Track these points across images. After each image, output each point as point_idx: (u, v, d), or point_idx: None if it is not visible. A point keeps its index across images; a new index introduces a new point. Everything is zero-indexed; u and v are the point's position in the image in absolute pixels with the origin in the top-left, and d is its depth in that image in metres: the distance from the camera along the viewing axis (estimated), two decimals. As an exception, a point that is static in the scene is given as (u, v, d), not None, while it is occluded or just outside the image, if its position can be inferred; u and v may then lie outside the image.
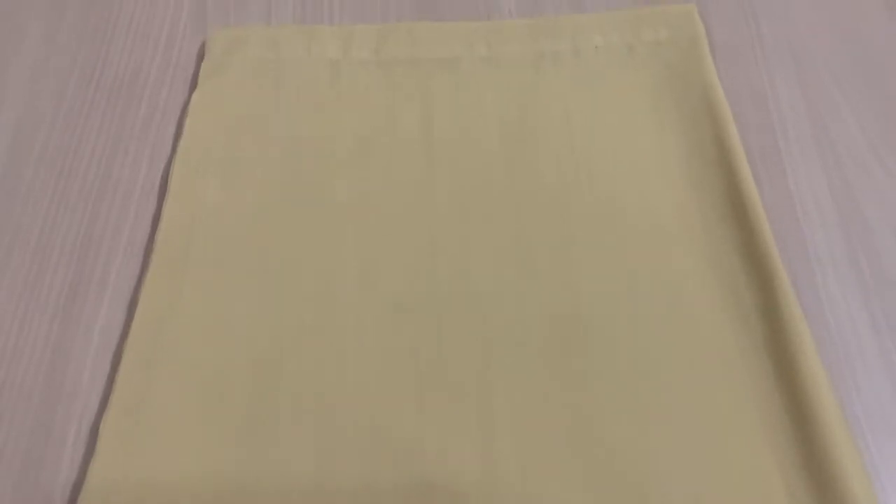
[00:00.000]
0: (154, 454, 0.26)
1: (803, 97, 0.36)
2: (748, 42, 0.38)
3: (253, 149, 0.34)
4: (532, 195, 0.32)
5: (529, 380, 0.28)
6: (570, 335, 0.29)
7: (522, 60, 0.36)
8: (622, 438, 0.26)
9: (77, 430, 0.28)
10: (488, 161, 0.33)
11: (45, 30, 0.39)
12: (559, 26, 0.37)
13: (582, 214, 0.32)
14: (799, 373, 0.27)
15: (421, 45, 0.37)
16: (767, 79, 0.36)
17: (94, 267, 0.32)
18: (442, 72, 0.36)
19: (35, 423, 0.28)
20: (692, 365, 0.28)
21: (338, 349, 0.28)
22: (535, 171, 0.33)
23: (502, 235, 0.31)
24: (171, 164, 0.33)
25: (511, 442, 0.26)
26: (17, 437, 0.28)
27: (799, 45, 0.37)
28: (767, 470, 0.26)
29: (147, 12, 0.40)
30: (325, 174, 0.33)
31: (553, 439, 0.26)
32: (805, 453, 0.26)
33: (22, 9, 0.40)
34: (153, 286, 0.30)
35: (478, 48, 0.36)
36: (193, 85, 0.36)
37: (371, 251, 0.31)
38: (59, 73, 0.37)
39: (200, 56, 0.37)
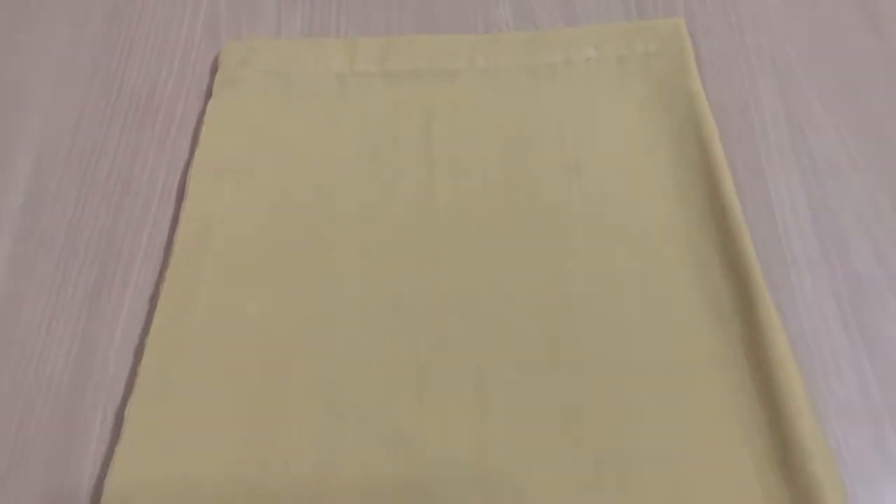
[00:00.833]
0: (175, 436, 0.28)
1: (784, 107, 0.37)
2: (733, 54, 0.39)
3: (264, 155, 0.36)
4: (527, 200, 0.34)
5: (523, 373, 0.30)
6: (561, 331, 0.30)
7: (519, 72, 0.38)
8: (606, 427, 0.28)
9: (103, 416, 0.30)
10: (486, 169, 0.35)
11: (68, 43, 0.41)
12: (554, 39, 0.39)
13: (573, 218, 0.34)
14: (772, 367, 0.28)
15: (422, 57, 0.39)
16: (750, 89, 0.38)
17: (117, 266, 0.34)
18: (442, 83, 0.38)
19: (65, 411, 0.30)
20: (672, 360, 0.30)
21: (342, 341, 0.31)
22: (531, 178, 0.35)
23: (499, 237, 0.33)
24: (189, 169, 0.35)
25: (505, 432, 0.28)
26: (48, 424, 0.30)
27: (781, 57, 0.39)
28: (741, 458, 0.27)
29: (164, 27, 0.42)
30: (332, 180, 0.35)
31: (544, 429, 0.28)
32: (777, 444, 0.27)
33: (46, 23, 0.42)
34: (172, 283, 0.32)
35: (477, 60, 0.38)
36: (208, 96, 0.38)
37: (374, 252, 0.33)
38: (81, 84, 0.40)
39: (214, 69, 0.39)
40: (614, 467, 0.27)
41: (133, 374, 0.30)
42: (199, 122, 0.37)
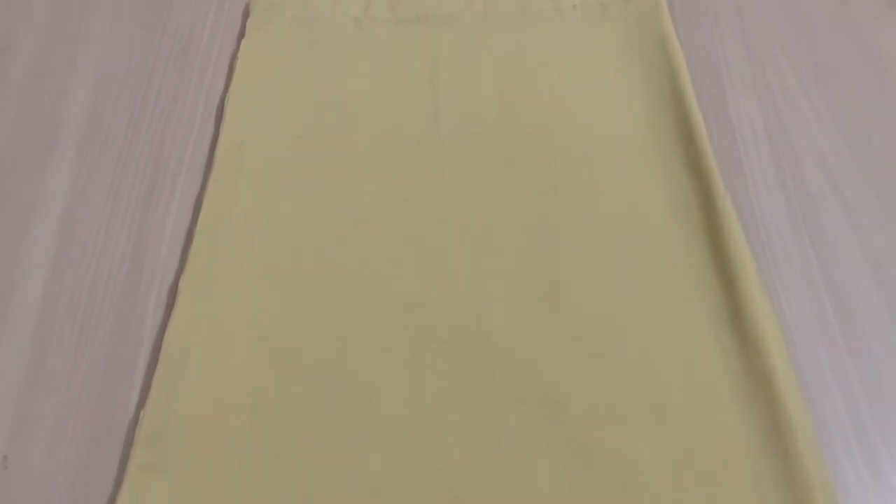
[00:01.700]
0: (219, 308, 0.33)
1: (745, 45, 0.43)
2: (702, 2, 0.45)
3: (291, 87, 0.41)
4: (520, 130, 0.39)
5: (518, 262, 0.35)
6: (550, 230, 0.36)
7: (512, 16, 0.44)
8: (586, 301, 0.33)
9: (157, 294, 0.35)
10: (484, 102, 0.40)
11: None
12: None
13: (561, 146, 0.39)
14: (729, 253, 0.34)
15: (428, 4, 0.44)
16: (717, 33, 0.44)
17: (164, 179, 0.39)
18: (445, 27, 0.43)
19: (125, 290, 0.35)
20: (645, 247, 0.35)
21: (363, 236, 0.36)
22: (523, 110, 0.40)
23: (497, 164, 0.38)
24: (225, 98, 0.41)
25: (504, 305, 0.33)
26: (110, 302, 0.35)
27: (745, 4, 0.45)
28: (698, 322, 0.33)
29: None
30: (349, 108, 0.40)
31: (533, 300, 0.33)
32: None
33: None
34: (214, 190, 0.37)
35: (475, 4, 0.44)
36: (241, 36, 0.43)
37: (383, 172, 0.38)
38: (133, 23, 0.45)
39: (246, 13, 0.45)
40: (592, 331, 0.33)
41: (182, 263, 0.35)
42: (234, 58, 0.43)
